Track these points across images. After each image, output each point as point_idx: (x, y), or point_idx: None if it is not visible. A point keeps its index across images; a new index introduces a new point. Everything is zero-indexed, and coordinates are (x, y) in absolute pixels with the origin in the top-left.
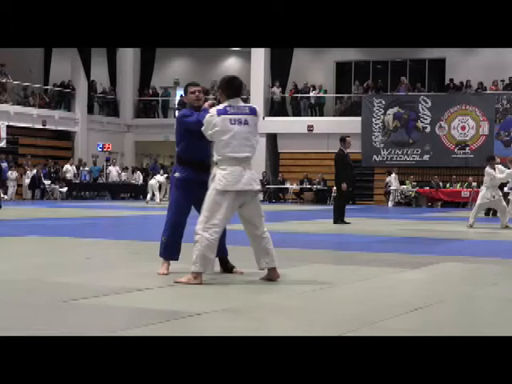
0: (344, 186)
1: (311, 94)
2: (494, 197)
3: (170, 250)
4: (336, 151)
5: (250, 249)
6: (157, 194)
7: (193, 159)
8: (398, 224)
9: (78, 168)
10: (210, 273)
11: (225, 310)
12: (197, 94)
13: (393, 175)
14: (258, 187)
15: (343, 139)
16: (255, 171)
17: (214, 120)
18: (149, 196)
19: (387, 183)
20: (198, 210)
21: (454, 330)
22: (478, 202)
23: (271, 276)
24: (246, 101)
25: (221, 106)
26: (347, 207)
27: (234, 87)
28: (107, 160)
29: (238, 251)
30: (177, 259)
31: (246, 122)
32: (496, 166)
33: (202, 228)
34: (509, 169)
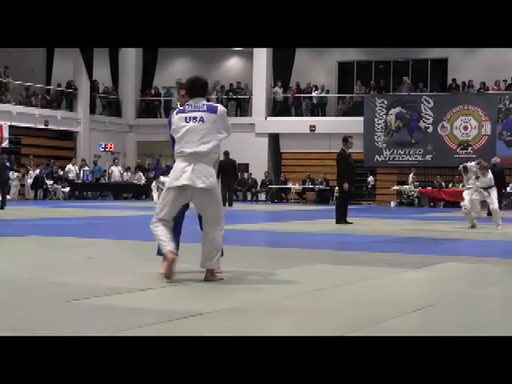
0: (346, 185)
1: (313, 94)
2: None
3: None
4: (338, 151)
5: (242, 248)
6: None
7: None
8: (400, 224)
9: (80, 168)
10: (174, 253)
11: (226, 309)
12: (186, 98)
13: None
14: (203, 185)
15: (345, 139)
16: (206, 169)
17: (173, 119)
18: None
19: (369, 183)
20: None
21: (456, 329)
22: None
23: (205, 276)
24: (248, 101)
25: (183, 106)
26: (349, 207)
27: (195, 87)
28: (114, 160)
29: (230, 251)
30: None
31: (201, 120)
32: (469, 168)
33: (153, 221)
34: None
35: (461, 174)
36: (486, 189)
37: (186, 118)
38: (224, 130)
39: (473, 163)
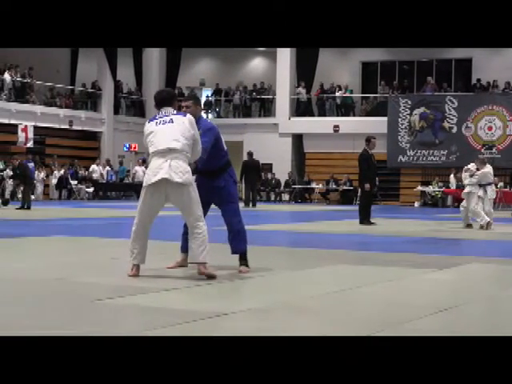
0: (367, 186)
1: (337, 94)
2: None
3: (182, 243)
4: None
5: (266, 248)
6: None
7: (201, 168)
8: (423, 224)
9: (104, 167)
10: (142, 263)
11: (251, 310)
12: (184, 109)
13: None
14: (180, 180)
15: (368, 140)
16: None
17: (145, 127)
18: None
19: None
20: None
21: (481, 330)
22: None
23: (198, 270)
24: (271, 101)
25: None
26: (373, 208)
27: (161, 98)
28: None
29: (254, 251)
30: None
31: (171, 121)
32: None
33: (134, 223)
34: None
35: (498, 175)
36: (484, 186)
37: (157, 122)
38: (190, 134)
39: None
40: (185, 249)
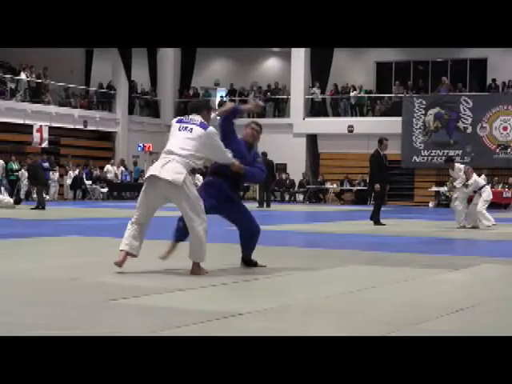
0: (377, 186)
1: (351, 95)
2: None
3: (176, 232)
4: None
5: (280, 248)
6: None
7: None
8: (437, 225)
9: (118, 167)
10: (135, 253)
11: (267, 309)
12: (251, 131)
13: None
14: (169, 177)
15: (381, 141)
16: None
17: (173, 124)
18: None
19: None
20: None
21: (496, 330)
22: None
23: (191, 269)
24: (286, 102)
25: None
26: (385, 208)
27: (190, 108)
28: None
29: (268, 251)
30: (182, 240)
31: (190, 130)
32: (457, 166)
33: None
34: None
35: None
36: (479, 191)
37: (179, 127)
38: (206, 149)
39: (461, 166)
40: (176, 237)
